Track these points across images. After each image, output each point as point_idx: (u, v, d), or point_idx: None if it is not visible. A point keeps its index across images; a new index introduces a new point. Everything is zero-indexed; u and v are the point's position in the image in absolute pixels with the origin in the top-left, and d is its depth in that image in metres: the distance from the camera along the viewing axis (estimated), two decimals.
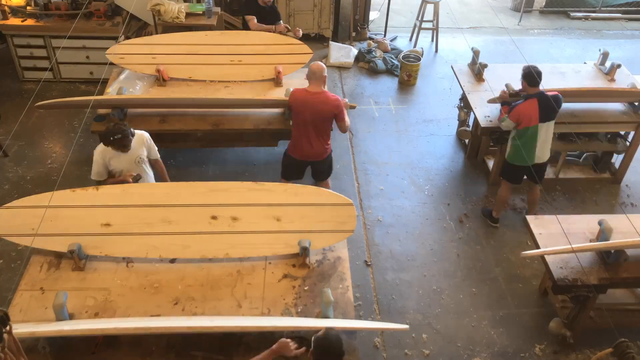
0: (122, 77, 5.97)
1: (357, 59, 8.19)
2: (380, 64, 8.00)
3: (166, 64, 5.94)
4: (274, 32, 6.30)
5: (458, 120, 6.64)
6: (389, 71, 7.98)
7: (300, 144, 5.02)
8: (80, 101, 5.41)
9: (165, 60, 5.96)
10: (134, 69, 5.94)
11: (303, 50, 6.12)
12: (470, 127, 6.37)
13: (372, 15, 8.98)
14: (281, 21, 6.59)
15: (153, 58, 5.93)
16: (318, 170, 5.27)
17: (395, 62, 8.07)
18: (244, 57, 6.05)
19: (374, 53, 8.18)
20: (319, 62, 4.97)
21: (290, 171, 5.29)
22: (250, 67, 6.03)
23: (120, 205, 4.06)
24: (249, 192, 4.14)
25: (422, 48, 8.42)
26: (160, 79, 5.92)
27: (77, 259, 3.90)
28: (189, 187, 4.19)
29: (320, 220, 4.06)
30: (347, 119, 5.04)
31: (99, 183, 4.58)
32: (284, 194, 4.13)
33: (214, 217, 4.04)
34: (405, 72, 7.72)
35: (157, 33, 7.33)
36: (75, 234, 3.95)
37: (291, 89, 5.68)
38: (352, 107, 5.84)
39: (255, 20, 6.37)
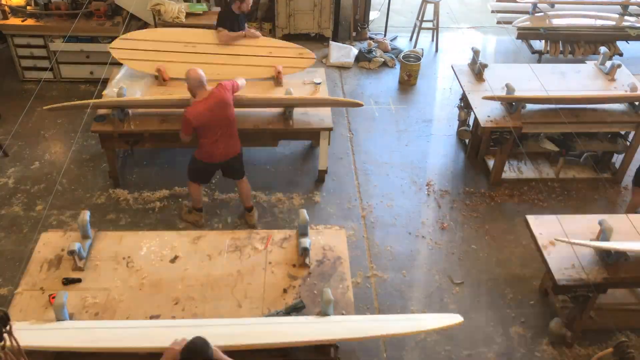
0: (119, 75, 5.97)
1: (358, 58, 8.18)
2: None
3: (166, 61, 5.95)
4: (244, 37, 6.18)
5: (458, 120, 6.63)
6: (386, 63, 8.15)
7: (215, 148, 4.99)
8: (83, 104, 5.42)
9: (166, 57, 5.97)
10: (133, 65, 5.93)
11: (305, 54, 6.17)
12: (471, 127, 6.37)
13: (372, 15, 8.97)
14: (246, 25, 6.46)
15: (153, 55, 5.96)
16: (234, 168, 5.28)
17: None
18: (243, 57, 6.07)
19: (374, 53, 8.17)
20: (193, 68, 4.88)
21: (203, 176, 5.34)
22: (250, 67, 6.03)
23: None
24: None
25: (422, 49, 8.42)
26: (160, 79, 5.92)
27: (77, 258, 3.91)
28: None
29: None
30: (239, 82, 5.17)
31: None
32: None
33: None
34: (405, 72, 7.71)
35: None
36: None
37: (292, 89, 5.71)
38: (359, 105, 5.85)
39: (226, 31, 6.14)
